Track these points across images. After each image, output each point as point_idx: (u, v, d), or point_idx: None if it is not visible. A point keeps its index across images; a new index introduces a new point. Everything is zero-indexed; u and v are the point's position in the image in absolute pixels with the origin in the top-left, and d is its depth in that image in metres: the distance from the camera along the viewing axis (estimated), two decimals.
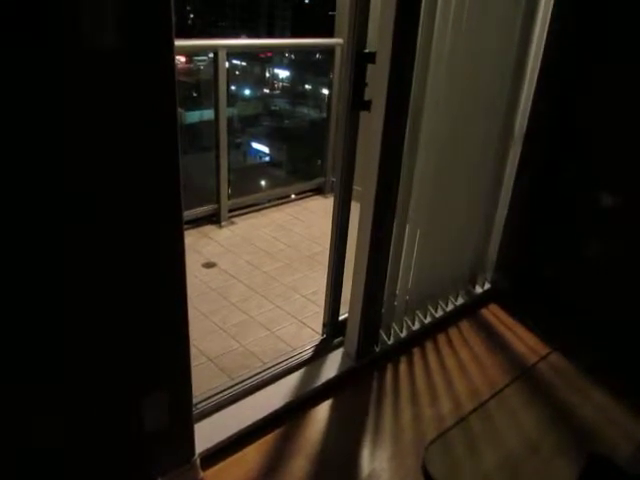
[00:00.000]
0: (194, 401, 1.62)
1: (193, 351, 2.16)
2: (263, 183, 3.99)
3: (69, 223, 1.08)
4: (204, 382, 1.95)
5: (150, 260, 1.25)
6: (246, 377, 1.92)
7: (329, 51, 3.57)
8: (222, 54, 2.83)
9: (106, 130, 1.07)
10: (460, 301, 2.49)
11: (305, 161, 4.05)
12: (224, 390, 1.84)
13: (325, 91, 3.86)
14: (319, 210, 3.58)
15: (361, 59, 1.69)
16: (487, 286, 2.63)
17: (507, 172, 2.42)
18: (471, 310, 2.55)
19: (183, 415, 1.51)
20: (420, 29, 1.64)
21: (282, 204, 3.64)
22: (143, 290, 1.27)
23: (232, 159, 3.33)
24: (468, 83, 1.97)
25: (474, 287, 2.57)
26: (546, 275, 2.68)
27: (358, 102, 1.74)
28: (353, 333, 2.06)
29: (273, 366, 1.99)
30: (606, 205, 2.44)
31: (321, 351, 2.10)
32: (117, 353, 1.28)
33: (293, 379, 1.95)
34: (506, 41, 2.09)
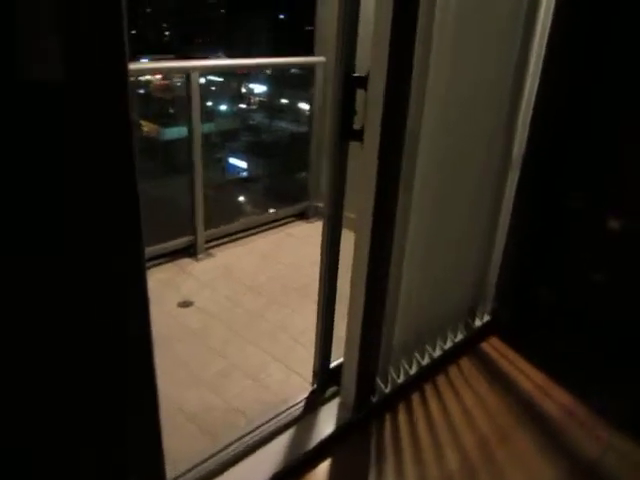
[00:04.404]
0: (169, 477, 1.41)
1: (169, 408, 1.95)
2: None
3: None
4: (182, 447, 1.73)
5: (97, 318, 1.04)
6: (230, 441, 1.70)
7: (309, 68, 3.41)
8: (195, 77, 2.63)
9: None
10: (459, 337, 2.30)
11: (287, 185, 3.86)
12: (206, 460, 1.62)
13: (306, 106, 3.70)
14: (303, 237, 3.39)
15: (350, 84, 1.51)
16: (486, 318, 2.45)
17: (505, 197, 2.26)
18: (471, 345, 2.37)
19: None
20: (416, 52, 1.47)
21: (263, 231, 3.44)
22: (96, 358, 1.05)
23: (210, 183, 3.13)
24: (465, 107, 1.81)
25: (473, 320, 2.40)
26: (547, 302, 2.53)
27: (347, 131, 1.56)
28: (350, 382, 1.86)
29: (261, 425, 1.78)
30: (608, 229, 2.30)
31: (313, 404, 1.89)
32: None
33: (284, 440, 1.74)
34: (504, 65, 1.94)
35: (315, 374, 1.97)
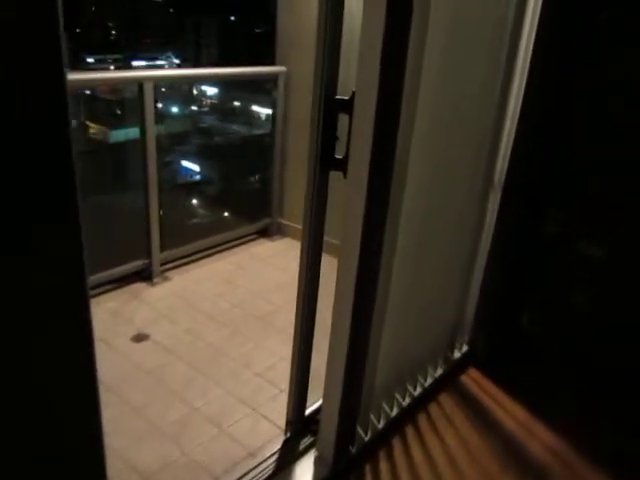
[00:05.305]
0: None
1: (121, 466, 1.73)
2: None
3: None
4: None
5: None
6: None
7: (272, 76, 3.22)
8: (148, 87, 2.39)
9: None
10: (439, 371, 2.17)
11: (248, 201, 3.64)
12: None
13: (262, 110, 3.50)
14: (266, 256, 3.19)
15: (332, 108, 1.33)
16: (465, 348, 2.33)
17: (486, 224, 2.14)
18: (450, 379, 2.24)
19: None
20: (407, 70, 1.31)
21: (224, 250, 3.21)
22: None
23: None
24: (451, 130, 1.67)
25: (452, 352, 2.27)
26: (527, 331, 2.43)
27: (328, 161, 1.38)
28: (329, 432, 1.67)
29: None
30: (589, 256, 2.22)
31: (286, 459, 1.70)
32: None
33: None
34: (489, 85, 1.83)
35: (288, 423, 1.78)
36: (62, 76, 0.64)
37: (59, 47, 0.62)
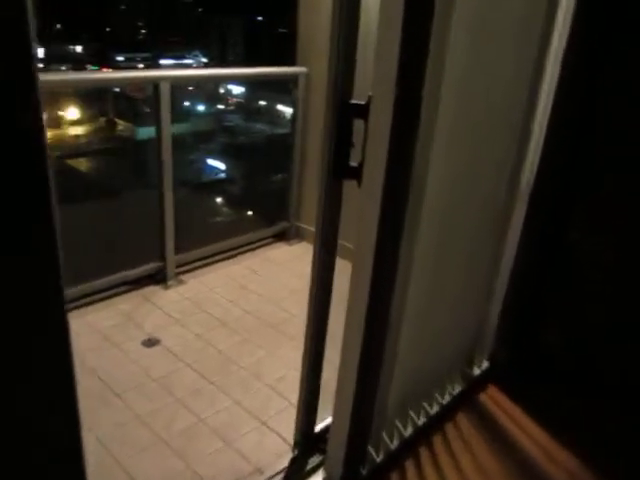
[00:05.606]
0: None
1: (122, 477, 1.68)
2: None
3: None
4: None
5: None
6: None
7: (292, 76, 3.14)
8: (165, 87, 2.33)
9: None
10: (457, 389, 2.06)
11: (266, 204, 3.58)
12: None
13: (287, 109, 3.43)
14: (283, 261, 3.12)
15: (347, 113, 1.25)
16: (485, 365, 2.22)
17: (511, 230, 2.03)
18: (468, 397, 2.13)
19: None
20: (427, 74, 1.22)
21: (240, 254, 3.16)
22: None
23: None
24: (475, 136, 1.57)
25: (471, 368, 2.16)
26: (551, 348, 2.31)
27: (342, 169, 1.30)
28: (338, 451, 1.59)
29: None
30: (619, 269, 2.10)
31: (293, 478, 1.63)
32: None
33: None
34: (515, 91, 1.72)
35: (296, 442, 1.70)
36: (33, 78, 0.57)
37: (29, 44, 0.55)
